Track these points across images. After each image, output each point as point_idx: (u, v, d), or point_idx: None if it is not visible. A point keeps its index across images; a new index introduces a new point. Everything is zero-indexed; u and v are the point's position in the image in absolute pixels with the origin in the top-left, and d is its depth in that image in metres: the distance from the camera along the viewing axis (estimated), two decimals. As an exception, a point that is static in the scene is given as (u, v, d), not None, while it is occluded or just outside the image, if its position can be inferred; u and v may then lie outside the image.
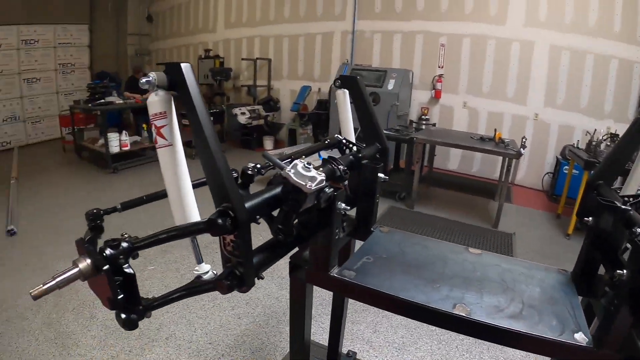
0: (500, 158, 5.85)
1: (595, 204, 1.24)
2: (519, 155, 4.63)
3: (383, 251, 1.35)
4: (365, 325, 2.75)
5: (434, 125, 6.89)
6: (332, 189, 0.97)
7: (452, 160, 7.29)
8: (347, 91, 1.62)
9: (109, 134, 5.73)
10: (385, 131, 5.37)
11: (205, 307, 2.76)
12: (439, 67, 6.93)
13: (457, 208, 5.47)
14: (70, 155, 6.77)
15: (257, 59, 7.86)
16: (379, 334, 2.68)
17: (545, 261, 3.97)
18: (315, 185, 0.88)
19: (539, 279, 1.31)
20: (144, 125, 6.42)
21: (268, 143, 7.53)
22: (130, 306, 0.78)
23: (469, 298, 1.12)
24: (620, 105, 6.15)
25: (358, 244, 1.51)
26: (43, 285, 0.69)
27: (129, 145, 6.01)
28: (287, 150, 5.35)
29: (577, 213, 1.43)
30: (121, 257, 0.74)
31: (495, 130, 5.19)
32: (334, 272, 1.17)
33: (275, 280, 3.14)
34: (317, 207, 0.99)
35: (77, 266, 0.71)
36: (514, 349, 2.56)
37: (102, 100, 6.04)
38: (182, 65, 0.80)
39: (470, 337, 2.67)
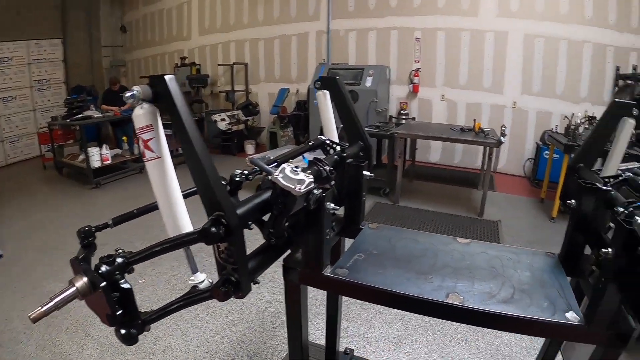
0: (481, 148, 5.95)
1: (577, 186, 1.27)
2: (499, 143, 4.71)
3: (373, 247, 1.37)
4: (360, 321, 2.78)
5: (413, 119, 6.97)
6: (320, 190, 0.99)
7: (433, 152, 7.39)
8: (327, 92, 1.65)
9: (89, 149, 5.64)
10: (365, 128, 5.40)
11: (199, 317, 2.76)
12: (415, 61, 7.02)
13: (441, 200, 5.53)
14: (51, 172, 6.64)
15: (233, 63, 7.85)
16: (374, 330, 2.71)
17: (532, 245, 4.10)
18: (304, 188, 0.89)
19: (528, 263, 1.34)
20: (124, 138, 6.34)
21: (249, 147, 7.51)
22: (129, 321, 0.78)
23: (461, 287, 1.15)
24: (596, 89, 6.31)
25: (348, 242, 1.52)
26: (42, 307, 0.70)
27: (109, 158, 5.91)
28: (270, 154, 5.34)
29: (560, 196, 1.48)
30: (117, 272, 0.75)
31: (474, 120, 5.26)
32: (327, 271, 1.18)
33: (267, 285, 3.14)
34: (306, 209, 1.00)
35: (74, 285, 0.72)
36: (508, 333, 2.66)
37: (80, 115, 5.95)
38: (166, 77, 0.81)
39: (465, 325, 2.73)
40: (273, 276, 3.18)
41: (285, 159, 1.33)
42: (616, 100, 1.38)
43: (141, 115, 0.86)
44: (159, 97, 0.84)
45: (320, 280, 1.19)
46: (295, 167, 0.92)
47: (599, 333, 1.03)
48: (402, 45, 7.04)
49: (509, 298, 1.12)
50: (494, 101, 6.82)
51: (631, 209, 0.99)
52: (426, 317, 2.79)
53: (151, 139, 0.87)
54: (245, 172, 1.09)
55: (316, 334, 2.60)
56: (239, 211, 0.87)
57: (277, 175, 0.89)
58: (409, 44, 6.99)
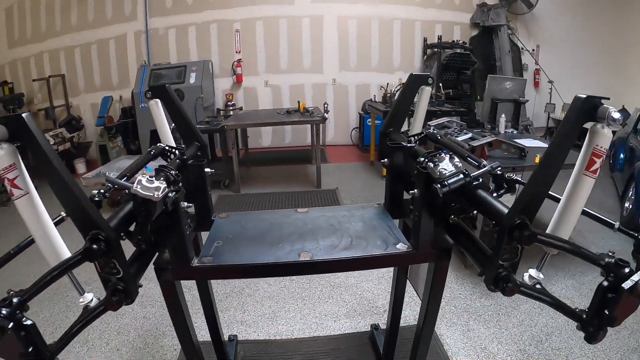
0: (309, 125, 6.50)
1: (388, 148, 1.60)
2: (324, 119, 5.23)
3: (228, 233, 1.55)
4: (234, 309, 2.94)
5: (240, 109, 7.19)
6: (174, 192, 1.13)
7: (265, 137, 7.74)
8: (159, 100, 1.73)
9: None
10: (196, 126, 5.44)
11: (79, 354, 2.54)
12: (236, 52, 7.24)
13: (280, 180, 5.88)
14: None
15: (49, 77, 7.00)
16: (249, 313, 2.90)
17: (368, 202, 4.61)
18: (161, 193, 1.03)
19: (359, 215, 1.67)
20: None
21: (80, 166, 6.85)
22: (39, 356, 0.84)
23: (309, 246, 1.41)
24: (407, 59, 7.35)
25: (204, 235, 1.64)
26: None
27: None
28: (105, 169, 5.01)
29: (378, 157, 1.84)
30: (17, 312, 0.80)
31: (298, 102, 5.71)
32: (195, 262, 1.34)
33: (137, 302, 3.05)
34: (165, 211, 1.14)
35: None
36: (366, 282, 3.10)
37: None
38: (24, 115, 0.86)
39: (328, 286, 3.11)
40: (141, 291, 3.11)
41: (132, 171, 1.42)
42: (413, 73, 1.74)
43: (3, 155, 0.89)
44: (16, 135, 0.88)
45: (190, 272, 1.33)
46: (150, 177, 1.05)
47: (425, 253, 1.35)
48: (223, 37, 7.18)
49: (349, 245, 1.41)
50: (315, 81, 7.44)
51: (427, 158, 1.26)
52: (292, 287, 3.10)
53: (16, 177, 0.91)
54: (102, 191, 1.17)
55: (198, 331, 2.68)
56: (112, 224, 0.98)
57: (136, 187, 1.02)
58: (229, 35, 7.16)
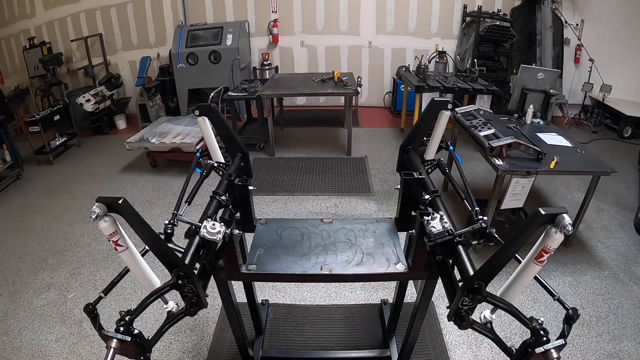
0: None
1: (401, 174, 1.85)
2: (356, 93, 5.42)
3: (267, 241, 1.92)
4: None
5: (276, 69, 7.35)
6: (229, 231, 1.50)
7: (299, 98, 7.92)
8: (206, 118, 2.01)
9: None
10: (232, 93, 5.72)
11: None
12: (272, 12, 7.29)
13: (312, 144, 6.14)
14: None
15: (87, 37, 7.30)
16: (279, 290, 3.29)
17: (393, 176, 4.84)
18: (221, 236, 1.42)
19: (372, 230, 1.99)
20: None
21: (120, 123, 7.35)
22: (144, 352, 1.24)
23: (329, 260, 1.77)
24: (445, 25, 7.23)
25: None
26: None
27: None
28: (147, 132, 5.38)
29: (397, 169, 2.10)
30: (130, 327, 1.19)
31: (333, 72, 5.88)
32: (243, 269, 1.74)
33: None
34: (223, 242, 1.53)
35: (111, 347, 1.13)
36: (370, 283, 3.38)
37: None
38: (120, 202, 1.18)
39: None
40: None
41: (190, 196, 1.78)
42: (434, 99, 1.94)
43: (107, 226, 1.23)
44: (112, 208, 1.21)
45: (239, 276, 1.74)
46: (213, 224, 1.42)
47: (418, 274, 1.70)
48: (258, -4, 7.17)
49: (360, 261, 1.76)
50: (351, 43, 7.47)
51: (431, 197, 1.58)
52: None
53: (118, 239, 1.28)
54: (172, 221, 1.55)
55: (237, 295, 3.13)
56: (187, 261, 1.37)
57: (203, 232, 1.40)
58: (265, -6, 7.14)
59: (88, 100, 6.27)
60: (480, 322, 1.36)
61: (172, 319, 1.40)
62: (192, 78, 6.81)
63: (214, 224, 1.43)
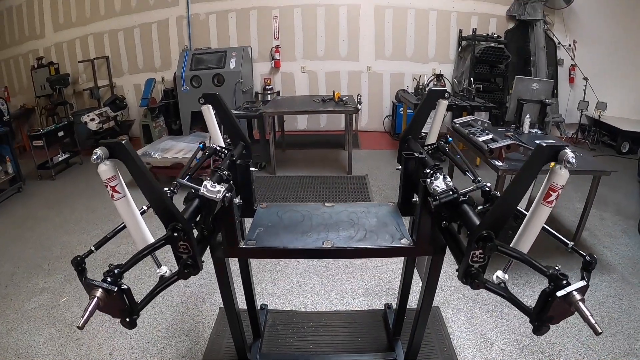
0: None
1: (402, 155, 1.86)
2: (356, 110, 5.48)
3: (268, 222, 1.88)
4: (266, 282, 3.31)
5: (277, 93, 7.46)
6: (230, 193, 1.47)
7: (300, 121, 8.05)
8: (210, 106, 2.03)
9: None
10: (235, 112, 5.77)
11: None
12: (274, 38, 7.49)
13: (313, 164, 6.16)
14: None
15: (94, 59, 7.50)
16: (279, 286, 3.27)
17: (395, 192, 4.82)
18: (221, 195, 1.38)
19: (375, 212, 1.97)
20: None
21: (123, 144, 7.37)
22: (131, 311, 1.17)
23: (331, 236, 1.73)
24: (442, 49, 7.43)
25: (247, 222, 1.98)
26: (82, 318, 1.02)
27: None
28: (150, 149, 5.44)
29: (397, 160, 2.06)
30: (118, 279, 1.13)
31: (333, 92, 5.97)
32: (242, 244, 1.69)
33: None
34: (222, 206, 1.49)
35: (95, 296, 1.07)
36: (385, 266, 3.43)
37: None
38: (123, 142, 1.18)
39: (350, 267, 3.44)
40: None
41: (193, 170, 1.77)
42: (432, 88, 1.96)
43: (105, 170, 1.20)
44: (115, 153, 1.19)
45: (238, 251, 1.68)
46: (213, 183, 1.39)
47: (424, 248, 1.65)
48: (262, 24, 7.44)
49: (363, 237, 1.72)
50: (351, 68, 7.64)
51: (432, 170, 1.50)
52: (318, 266, 3.45)
53: (116, 184, 1.24)
54: (172, 188, 1.52)
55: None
56: (186, 216, 1.33)
57: (203, 190, 1.36)
58: (268, 22, 7.42)
59: (92, 119, 6.33)
60: (493, 282, 1.28)
61: (163, 282, 1.34)
62: (195, 100, 6.82)
63: (214, 184, 1.39)
